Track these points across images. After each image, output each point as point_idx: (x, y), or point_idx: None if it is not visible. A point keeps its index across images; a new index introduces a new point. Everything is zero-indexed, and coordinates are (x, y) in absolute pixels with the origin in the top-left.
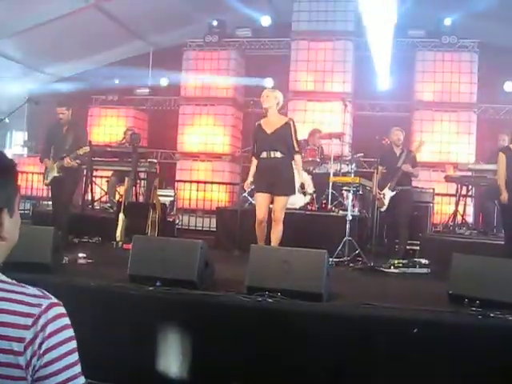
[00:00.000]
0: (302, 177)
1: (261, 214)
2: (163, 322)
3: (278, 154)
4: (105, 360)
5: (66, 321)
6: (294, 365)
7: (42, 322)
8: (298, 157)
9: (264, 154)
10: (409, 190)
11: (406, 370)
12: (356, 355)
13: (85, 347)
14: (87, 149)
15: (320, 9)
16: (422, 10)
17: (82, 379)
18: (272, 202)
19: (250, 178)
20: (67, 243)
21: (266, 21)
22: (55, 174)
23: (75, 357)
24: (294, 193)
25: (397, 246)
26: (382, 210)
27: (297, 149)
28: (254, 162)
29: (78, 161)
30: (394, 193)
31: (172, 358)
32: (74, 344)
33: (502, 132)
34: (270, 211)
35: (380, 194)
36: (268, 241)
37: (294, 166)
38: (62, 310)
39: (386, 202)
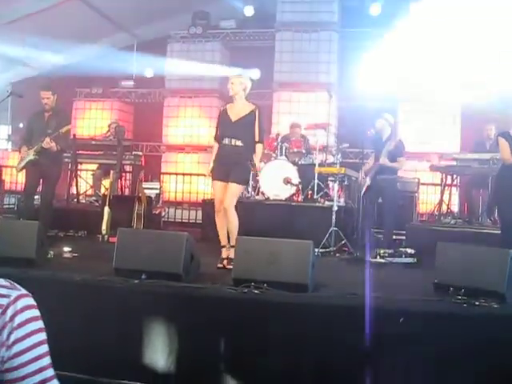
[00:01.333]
0: (259, 166)
1: (217, 199)
2: (149, 315)
3: (239, 143)
4: (91, 353)
5: (35, 312)
6: (281, 356)
7: (10, 312)
8: (258, 146)
9: (226, 141)
10: (391, 179)
11: (393, 359)
12: (342, 345)
13: (71, 341)
14: (69, 126)
15: (304, 0)
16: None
17: (51, 371)
18: None
19: (212, 164)
20: (50, 237)
21: (249, 11)
22: (31, 158)
23: (44, 348)
24: (246, 184)
25: (381, 236)
26: (361, 194)
27: (257, 138)
28: (216, 146)
29: (58, 146)
30: (369, 182)
31: (159, 350)
32: (43, 336)
33: (489, 122)
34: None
35: (364, 178)
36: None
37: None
38: (31, 301)
39: (363, 188)
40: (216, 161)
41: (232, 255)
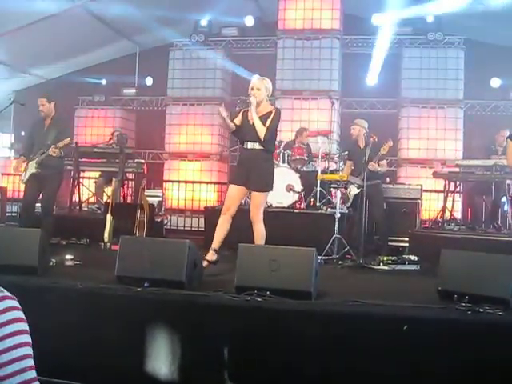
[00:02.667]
0: None
1: (228, 203)
2: (152, 323)
3: (258, 146)
4: (93, 361)
5: (19, 314)
6: (283, 363)
7: None
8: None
9: (246, 145)
10: (376, 185)
11: (396, 366)
12: (345, 353)
13: (72, 349)
14: (68, 140)
15: (306, 7)
16: (407, 6)
17: (33, 373)
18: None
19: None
20: (52, 245)
21: (249, 21)
22: (33, 171)
23: (26, 350)
24: (270, 189)
25: (379, 243)
26: (347, 205)
27: (261, 137)
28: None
29: (62, 152)
30: (359, 190)
31: (161, 358)
32: (25, 338)
33: (503, 128)
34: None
35: (346, 189)
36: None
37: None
38: (14, 303)
39: (351, 198)
40: (236, 165)
41: None
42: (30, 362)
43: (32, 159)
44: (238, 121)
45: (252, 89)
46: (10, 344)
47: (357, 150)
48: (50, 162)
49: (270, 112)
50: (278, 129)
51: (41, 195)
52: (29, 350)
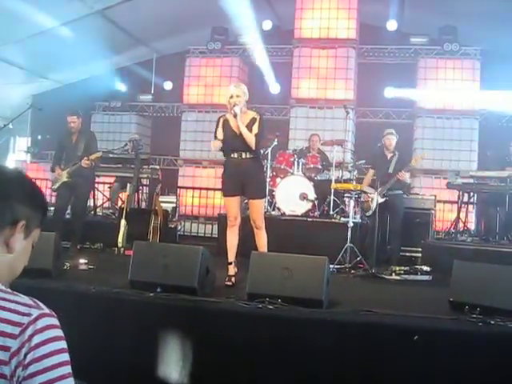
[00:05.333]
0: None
1: (232, 215)
2: (163, 328)
3: (249, 155)
4: (105, 366)
5: (57, 332)
6: (294, 372)
7: (29, 331)
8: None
9: (234, 155)
10: (399, 195)
11: (407, 377)
12: (356, 362)
13: (85, 353)
14: (100, 154)
15: (323, 16)
16: (424, 17)
17: None
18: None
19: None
20: (66, 249)
21: (267, 25)
22: (64, 180)
23: (65, 370)
24: (265, 196)
25: (390, 253)
26: (368, 214)
27: (253, 147)
28: (217, 143)
29: (93, 163)
30: (384, 199)
31: (172, 364)
32: (63, 357)
33: None
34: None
35: (368, 197)
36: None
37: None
38: (52, 321)
39: (373, 206)
40: (226, 176)
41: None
42: (71, 382)
43: (64, 169)
44: (220, 134)
45: (232, 97)
46: (47, 364)
47: (383, 159)
48: (81, 171)
49: (255, 118)
50: (293, 137)
51: (72, 201)
52: (66, 370)
